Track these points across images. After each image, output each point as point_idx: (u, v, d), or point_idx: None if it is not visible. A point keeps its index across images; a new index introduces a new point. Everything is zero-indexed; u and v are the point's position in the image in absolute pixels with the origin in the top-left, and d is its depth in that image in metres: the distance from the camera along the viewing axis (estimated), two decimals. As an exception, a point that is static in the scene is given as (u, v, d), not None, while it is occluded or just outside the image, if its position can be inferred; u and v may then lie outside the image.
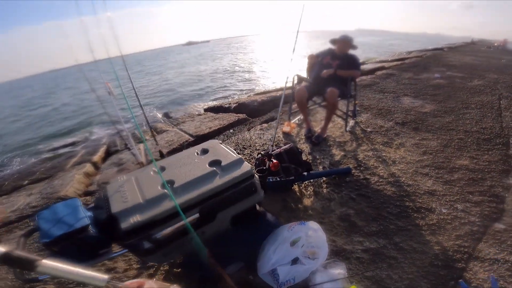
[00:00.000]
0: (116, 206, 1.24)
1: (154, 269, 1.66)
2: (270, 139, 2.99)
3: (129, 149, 4.43)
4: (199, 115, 5.95)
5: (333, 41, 2.91)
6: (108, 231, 1.26)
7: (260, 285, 1.40)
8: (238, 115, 4.60)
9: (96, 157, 4.39)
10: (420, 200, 1.89)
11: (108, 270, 1.68)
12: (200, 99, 10.75)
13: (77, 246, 1.20)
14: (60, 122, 11.96)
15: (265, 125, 3.50)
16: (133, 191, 1.34)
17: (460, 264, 1.43)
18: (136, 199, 1.27)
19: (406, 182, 2.09)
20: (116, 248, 1.36)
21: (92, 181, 3.52)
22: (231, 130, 3.87)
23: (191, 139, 3.84)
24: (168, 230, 1.23)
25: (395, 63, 7.30)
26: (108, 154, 4.65)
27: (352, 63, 2.79)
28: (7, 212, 2.86)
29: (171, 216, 1.22)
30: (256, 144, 2.87)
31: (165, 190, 1.28)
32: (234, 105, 5.49)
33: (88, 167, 3.95)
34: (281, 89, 6.33)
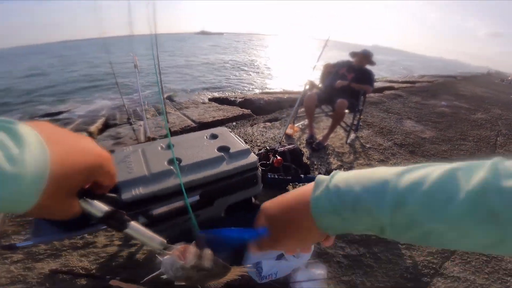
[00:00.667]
0: (120, 175, 1.21)
1: (136, 247, 1.67)
2: (272, 137, 3.06)
3: (130, 123, 4.45)
4: (204, 103, 5.98)
5: (353, 54, 3.01)
6: None
7: (242, 275, 1.47)
8: (242, 109, 4.66)
9: (93, 128, 4.39)
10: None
11: (87, 244, 1.68)
12: (206, 88, 10.75)
13: None
14: (64, 85, 11.88)
15: (268, 123, 3.56)
16: (139, 163, 1.33)
17: (426, 279, 1.54)
18: (142, 171, 1.25)
19: (394, 199, 2.18)
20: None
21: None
22: (234, 123, 3.93)
23: (194, 125, 3.88)
24: (165, 208, 1.24)
25: (405, 85, 7.41)
26: (107, 126, 4.66)
27: (367, 77, 2.88)
28: None
29: (173, 194, 1.23)
30: (258, 141, 2.93)
31: (171, 167, 1.28)
32: (240, 99, 5.54)
33: (85, 137, 3.97)
34: (289, 92, 6.40)
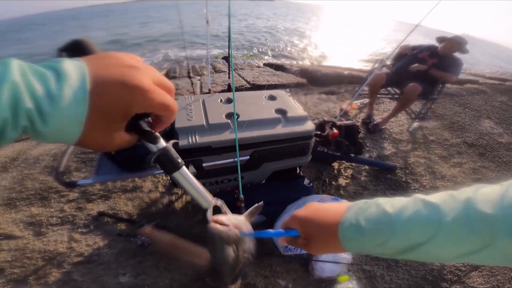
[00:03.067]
0: (180, 122, 1.27)
1: (177, 196, 1.82)
2: (326, 110, 2.94)
3: (189, 77, 4.66)
4: (258, 67, 5.90)
5: (441, 39, 2.64)
6: None
7: (268, 244, 1.51)
8: (298, 78, 4.50)
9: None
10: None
11: (135, 188, 1.86)
12: (263, 53, 10.50)
13: (130, 153, 1.17)
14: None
15: (323, 96, 3.40)
16: (199, 112, 1.37)
17: (445, 284, 1.46)
18: (200, 120, 1.30)
19: (447, 200, 2.00)
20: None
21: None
22: (288, 90, 3.84)
23: (248, 86, 3.89)
24: (215, 162, 1.25)
25: (492, 81, 6.30)
26: (167, 78, 4.94)
27: (452, 65, 2.52)
28: None
29: (226, 148, 1.25)
30: (310, 111, 2.84)
31: (229, 121, 1.31)
32: (296, 68, 5.34)
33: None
34: (350, 68, 5.93)
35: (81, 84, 0.26)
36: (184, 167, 0.42)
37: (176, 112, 0.36)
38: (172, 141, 0.42)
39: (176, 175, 0.41)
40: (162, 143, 0.39)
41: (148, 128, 0.36)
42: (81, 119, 0.26)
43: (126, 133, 0.33)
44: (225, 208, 0.52)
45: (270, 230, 0.50)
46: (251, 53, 9.70)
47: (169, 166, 0.40)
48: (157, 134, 0.38)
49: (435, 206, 0.35)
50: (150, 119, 0.37)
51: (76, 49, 0.31)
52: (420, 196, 0.39)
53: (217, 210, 0.49)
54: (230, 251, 0.48)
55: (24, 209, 1.71)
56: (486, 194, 0.33)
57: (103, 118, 0.28)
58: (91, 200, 1.77)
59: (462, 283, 1.47)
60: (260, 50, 11.14)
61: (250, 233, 0.49)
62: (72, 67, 0.26)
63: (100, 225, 1.61)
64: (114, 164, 1.24)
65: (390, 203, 0.39)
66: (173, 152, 0.40)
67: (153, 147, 0.38)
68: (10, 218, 1.64)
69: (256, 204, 0.58)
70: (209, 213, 0.47)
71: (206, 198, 0.47)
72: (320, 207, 0.47)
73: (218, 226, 0.45)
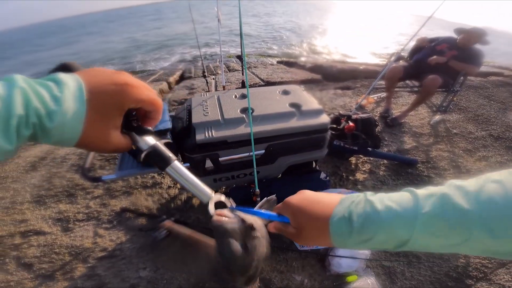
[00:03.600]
0: (196, 117, 1.30)
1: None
2: (341, 105, 2.89)
3: (204, 76, 4.72)
4: (272, 64, 5.89)
5: (460, 31, 2.56)
6: (180, 141, 1.28)
7: (284, 238, 1.48)
8: (312, 74, 4.44)
9: (172, 78, 4.81)
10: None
11: (154, 184, 1.91)
12: (275, 50, 10.44)
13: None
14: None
15: (339, 91, 3.34)
16: (214, 108, 1.40)
17: (470, 281, 1.39)
18: (216, 115, 1.32)
19: (472, 195, 1.91)
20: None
21: (164, 97, 3.92)
22: (302, 86, 3.79)
23: (262, 83, 3.89)
24: (231, 156, 1.27)
25: (519, 74, 5.94)
26: (182, 78, 5.04)
27: (473, 57, 2.42)
28: None
29: (241, 142, 1.26)
30: (326, 106, 2.80)
31: (244, 115, 1.31)
32: (310, 65, 5.27)
33: (164, 85, 4.38)
34: (366, 63, 5.79)
35: (78, 87, 0.31)
36: (176, 162, 0.43)
37: (161, 108, 0.40)
38: (163, 140, 0.43)
39: (169, 170, 0.42)
40: (152, 140, 0.41)
41: (137, 125, 0.40)
42: (81, 116, 0.31)
43: (122, 136, 0.37)
44: (231, 203, 0.49)
45: (263, 211, 0.49)
46: (266, 52, 9.68)
47: (160, 162, 0.42)
48: (149, 128, 0.40)
49: (416, 199, 0.35)
50: (139, 122, 0.40)
51: (64, 70, 0.35)
52: (411, 189, 0.38)
53: (220, 205, 0.47)
54: (238, 247, 0.43)
55: (53, 206, 1.80)
56: (463, 187, 0.33)
57: (101, 115, 0.33)
58: (115, 197, 1.84)
59: (488, 280, 1.40)
60: (276, 47, 11.08)
61: (240, 208, 0.47)
62: (68, 77, 0.31)
63: (123, 220, 1.67)
64: (135, 160, 1.29)
65: (380, 199, 0.39)
66: (163, 148, 0.42)
67: (143, 145, 0.40)
68: (40, 215, 1.73)
69: (266, 198, 0.55)
70: (211, 207, 0.45)
71: (205, 192, 0.46)
72: (313, 198, 0.46)
73: (222, 218, 0.43)
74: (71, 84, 0.30)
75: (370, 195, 0.41)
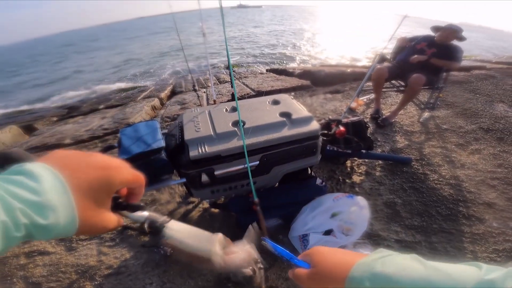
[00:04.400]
0: (188, 134, 1.30)
1: (194, 204, 1.84)
2: (332, 109, 2.92)
3: (195, 90, 4.75)
4: (261, 73, 5.96)
5: (436, 28, 2.69)
6: (175, 157, 1.28)
7: (287, 246, 1.48)
8: (301, 80, 4.50)
9: (163, 94, 4.83)
10: (475, 209, 1.75)
11: (153, 201, 1.90)
12: (263, 59, 10.60)
13: (147, 167, 1.19)
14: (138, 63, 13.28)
15: (329, 95, 3.39)
16: (206, 123, 1.40)
17: None
18: (208, 131, 1.32)
19: (468, 188, 1.92)
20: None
21: (157, 114, 3.92)
22: (293, 93, 3.84)
23: (253, 93, 3.92)
24: (226, 170, 1.28)
25: (500, 66, 6.10)
26: (173, 93, 5.06)
27: (453, 53, 2.52)
28: (81, 131, 3.31)
29: (235, 155, 1.26)
30: (317, 111, 2.83)
31: (235, 128, 1.32)
32: (299, 71, 5.34)
33: (156, 101, 4.39)
34: (353, 65, 5.90)
35: (53, 177, 0.28)
36: (172, 221, 0.47)
37: (144, 182, 0.40)
38: (147, 214, 0.46)
39: (168, 231, 0.46)
40: (145, 212, 0.44)
41: (128, 203, 0.41)
42: (72, 207, 0.29)
43: (113, 214, 0.37)
44: (227, 239, 0.54)
45: (288, 252, 0.50)
46: (254, 62, 9.81)
47: (159, 226, 0.45)
48: (139, 204, 0.42)
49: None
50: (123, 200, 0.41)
51: (6, 161, 0.35)
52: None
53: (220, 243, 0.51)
54: (249, 272, 0.51)
55: None
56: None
57: (93, 202, 0.32)
58: None
59: None
60: (264, 57, 11.25)
61: (268, 241, 0.49)
62: (38, 166, 0.28)
63: (125, 238, 1.66)
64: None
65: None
66: (155, 215, 0.46)
67: (139, 218, 0.43)
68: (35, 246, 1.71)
69: (250, 226, 0.60)
70: (217, 250, 0.48)
71: (207, 238, 0.50)
72: (343, 252, 0.43)
73: (234, 257, 0.47)
74: (42, 173, 0.27)
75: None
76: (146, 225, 0.43)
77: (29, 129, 4.13)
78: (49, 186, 0.27)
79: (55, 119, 4.65)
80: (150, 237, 1.65)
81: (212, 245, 0.49)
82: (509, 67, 6.08)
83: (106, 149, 1.53)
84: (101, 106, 4.74)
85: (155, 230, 0.44)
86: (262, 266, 0.55)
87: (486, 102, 3.32)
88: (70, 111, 5.03)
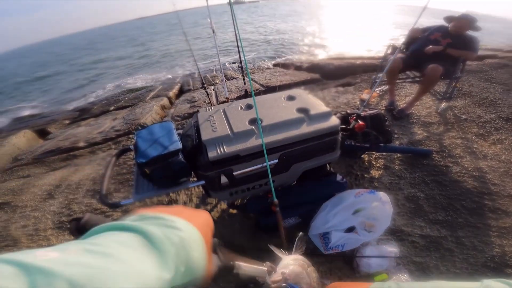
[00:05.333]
0: (205, 134, 1.27)
1: (212, 205, 1.82)
2: (345, 102, 2.86)
3: (204, 88, 4.73)
4: (269, 68, 5.90)
5: (450, 19, 2.60)
6: (192, 159, 1.25)
7: (308, 244, 1.46)
8: (310, 74, 4.44)
9: (171, 93, 4.84)
10: (501, 202, 1.69)
11: (170, 202, 1.90)
12: (269, 55, 10.47)
13: (165, 170, 1.17)
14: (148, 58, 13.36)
15: (340, 88, 3.32)
16: (222, 122, 1.37)
17: (510, 271, 1.33)
18: (225, 130, 1.29)
19: (492, 180, 1.85)
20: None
21: (167, 113, 3.92)
22: (302, 87, 3.78)
23: (262, 88, 3.89)
24: (245, 170, 1.24)
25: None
26: (182, 92, 5.05)
27: (468, 43, 2.44)
28: (94, 133, 3.33)
29: (254, 155, 1.23)
30: (330, 105, 2.78)
31: (253, 127, 1.29)
32: (307, 64, 5.27)
33: (165, 101, 4.39)
34: (363, 57, 5.77)
35: (188, 225, 0.35)
36: (237, 263, 0.51)
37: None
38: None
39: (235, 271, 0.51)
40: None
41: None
42: (203, 248, 0.35)
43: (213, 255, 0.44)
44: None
45: None
46: (261, 58, 9.72)
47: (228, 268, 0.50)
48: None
49: None
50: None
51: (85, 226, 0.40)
52: None
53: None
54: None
55: None
56: None
57: (207, 245, 0.37)
58: None
59: None
60: (273, 51, 11.11)
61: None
62: (179, 222, 0.34)
63: None
64: (150, 182, 1.28)
65: None
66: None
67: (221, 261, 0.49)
68: (65, 240, 1.75)
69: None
70: (270, 279, 0.53)
71: (261, 270, 0.54)
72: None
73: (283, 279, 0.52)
74: (182, 225, 0.34)
75: None
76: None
77: (42, 133, 4.20)
78: (188, 235, 0.33)
79: (67, 122, 4.72)
80: None
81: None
82: (525, 54, 5.84)
83: (122, 152, 1.51)
84: (112, 108, 4.78)
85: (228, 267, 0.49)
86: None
87: (504, 91, 3.20)
88: (82, 114, 5.09)
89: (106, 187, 1.24)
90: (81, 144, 3.07)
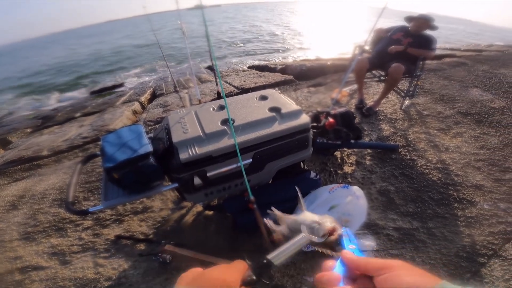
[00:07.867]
0: (176, 136, 1.24)
1: (188, 209, 1.78)
2: (317, 102, 2.94)
3: (176, 91, 4.63)
4: (243, 71, 5.91)
5: (410, 19, 2.76)
6: (164, 162, 1.21)
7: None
8: (284, 75, 4.50)
9: (143, 98, 4.67)
10: (465, 192, 1.81)
11: (145, 209, 1.83)
12: (243, 58, 10.52)
13: (135, 174, 1.12)
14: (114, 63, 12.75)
15: (312, 88, 3.41)
16: (193, 124, 1.35)
17: (482, 259, 1.40)
18: (196, 131, 1.27)
19: (455, 171, 1.98)
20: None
21: (139, 118, 3.78)
22: (277, 89, 3.82)
23: (237, 91, 3.88)
24: (219, 170, 1.23)
25: (469, 53, 6.41)
26: (154, 96, 4.90)
27: (427, 42, 2.60)
28: (58, 141, 3.13)
29: (227, 155, 1.23)
30: (303, 105, 2.84)
31: (225, 127, 1.28)
32: (280, 66, 5.35)
33: (136, 105, 4.23)
34: (333, 58, 5.98)
35: None
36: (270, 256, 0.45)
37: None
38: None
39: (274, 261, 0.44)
40: None
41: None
42: None
43: None
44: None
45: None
46: (235, 61, 9.73)
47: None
48: None
49: None
50: None
51: None
52: None
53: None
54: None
55: (44, 241, 1.71)
56: None
57: None
58: (106, 226, 1.76)
59: (499, 256, 1.42)
60: (243, 54, 11.17)
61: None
62: None
63: (120, 248, 1.60)
64: (120, 188, 1.22)
65: None
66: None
67: None
68: (33, 251, 1.63)
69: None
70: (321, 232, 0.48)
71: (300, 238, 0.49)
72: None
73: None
74: None
75: None
76: None
77: (3, 143, 3.87)
78: None
79: (29, 130, 4.38)
80: (147, 245, 1.60)
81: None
82: (478, 54, 6.40)
83: (88, 159, 1.44)
84: (78, 114, 4.52)
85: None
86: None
87: (461, 87, 3.46)
88: (45, 121, 4.76)
89: (73, 195, 1.19)
90: (45, 153, 2.86)
